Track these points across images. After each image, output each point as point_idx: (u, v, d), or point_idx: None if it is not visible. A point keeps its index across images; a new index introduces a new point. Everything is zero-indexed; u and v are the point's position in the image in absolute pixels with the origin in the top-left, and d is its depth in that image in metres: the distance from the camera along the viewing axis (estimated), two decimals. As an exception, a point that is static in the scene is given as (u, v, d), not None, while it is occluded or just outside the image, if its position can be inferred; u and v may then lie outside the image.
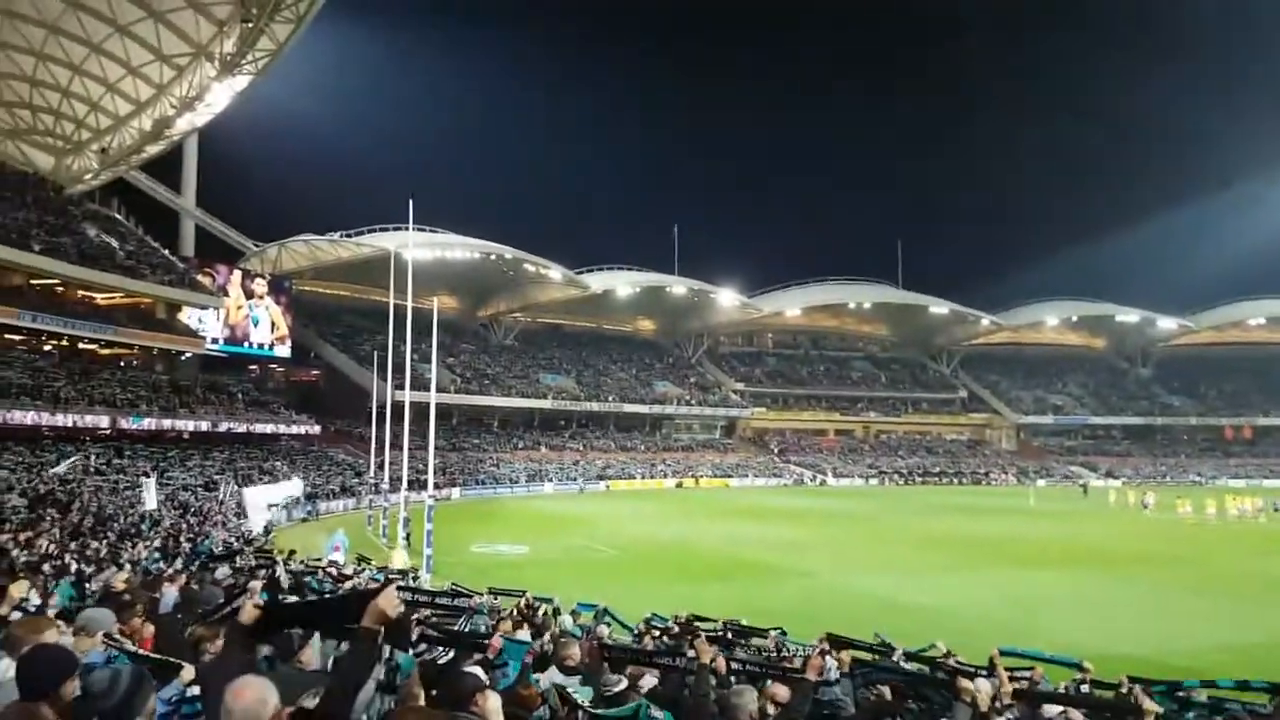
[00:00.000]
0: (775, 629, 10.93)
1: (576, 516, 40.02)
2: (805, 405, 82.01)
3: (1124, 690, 7.31)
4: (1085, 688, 8.26)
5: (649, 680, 5.26)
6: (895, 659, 9.06)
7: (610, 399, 70.14)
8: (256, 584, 7.47)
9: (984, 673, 8.69)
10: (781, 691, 4.49)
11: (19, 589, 4.93)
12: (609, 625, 11.78)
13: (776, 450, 75.72)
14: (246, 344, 53.13)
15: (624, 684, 4.82)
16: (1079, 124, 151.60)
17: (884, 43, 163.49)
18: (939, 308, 79.57)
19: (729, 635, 10.13)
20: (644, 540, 32.34)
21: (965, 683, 5.86)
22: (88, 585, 11.07)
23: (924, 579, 24.29)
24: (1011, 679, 8.69)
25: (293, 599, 8.55)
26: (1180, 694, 7.72)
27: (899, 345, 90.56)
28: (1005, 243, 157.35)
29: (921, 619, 17.63)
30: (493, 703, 3.06)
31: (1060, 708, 5.83)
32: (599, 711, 4.02)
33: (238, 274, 53.62)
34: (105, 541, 18.21)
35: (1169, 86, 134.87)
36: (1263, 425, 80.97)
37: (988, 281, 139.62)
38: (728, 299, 74.26)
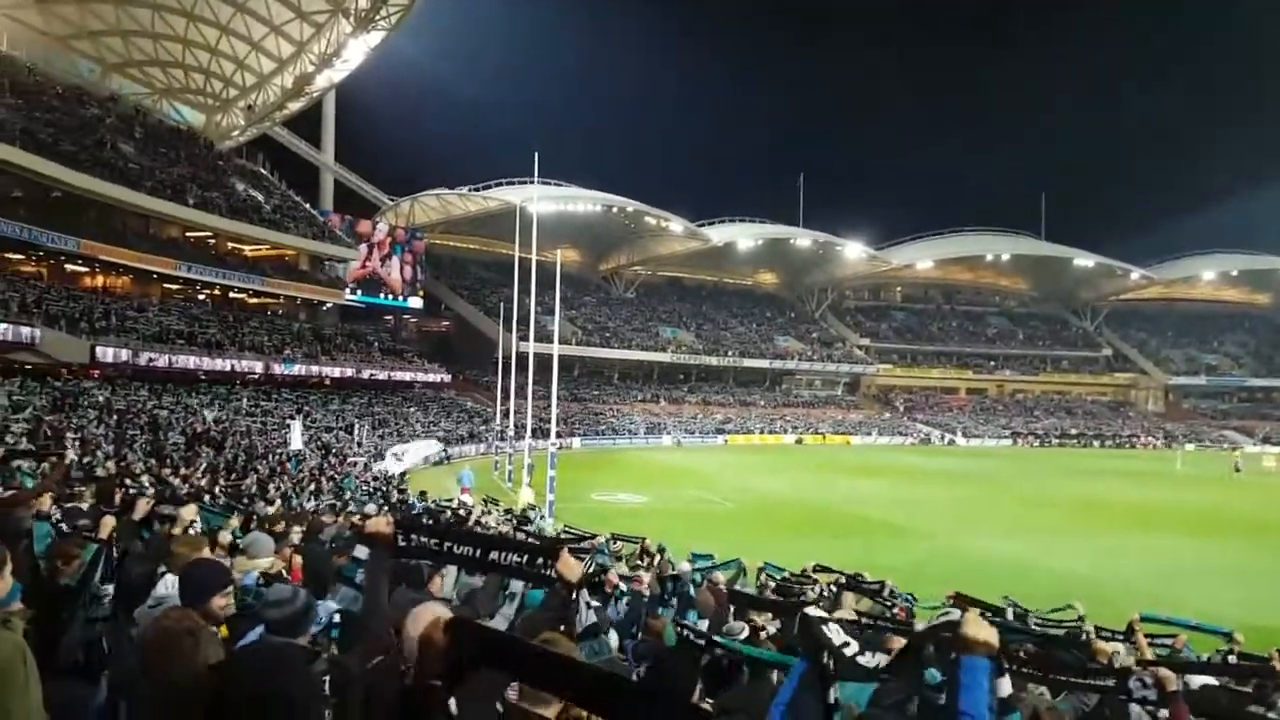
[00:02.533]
0: (884, 582, 10.58)
1: (695, 469, 39.96)
2: (935, 362, 78.73)
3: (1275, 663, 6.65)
4: (1232, 659, 7.70)
5: (769, 629, 5.20)
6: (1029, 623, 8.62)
7: (730, 353, 69.46)
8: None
9: (1120, 638, 8.11)
10: (898, 643, 4.21)
11: (189, 512, 5.28)
12: (727, 573, 11.59)
13: (903, 408, 73.25)
14: (382, 295, 55.40)
15: (746, 631, 4.83)
16: (1235, 64, 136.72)
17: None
18: (1084, 260, 74.36)
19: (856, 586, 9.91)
20: (763, 494, 31.92)
21: (1101, 644, 5.35)
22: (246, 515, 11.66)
23: (1057, 543, 22.86)
24: (1150, 645, 8.11)
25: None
26: None
27: (1039, 300, 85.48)
28: (1158, 192, 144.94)
29: (1053, 585, 16.57)
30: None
31: (1205, 678, 5.25)
32: (745, 649, 3.83)
33: (372, 226, 55.74)
34: (255, 478, 19.33)
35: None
36: None
37: (1138, 233, 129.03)
38: (854, 251, 71.75)
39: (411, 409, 45.57)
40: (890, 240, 76.93)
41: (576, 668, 1.62)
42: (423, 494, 21.16)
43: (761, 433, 61.53)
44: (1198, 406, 77.40)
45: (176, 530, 5.25)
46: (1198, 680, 5.13)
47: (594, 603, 6.74)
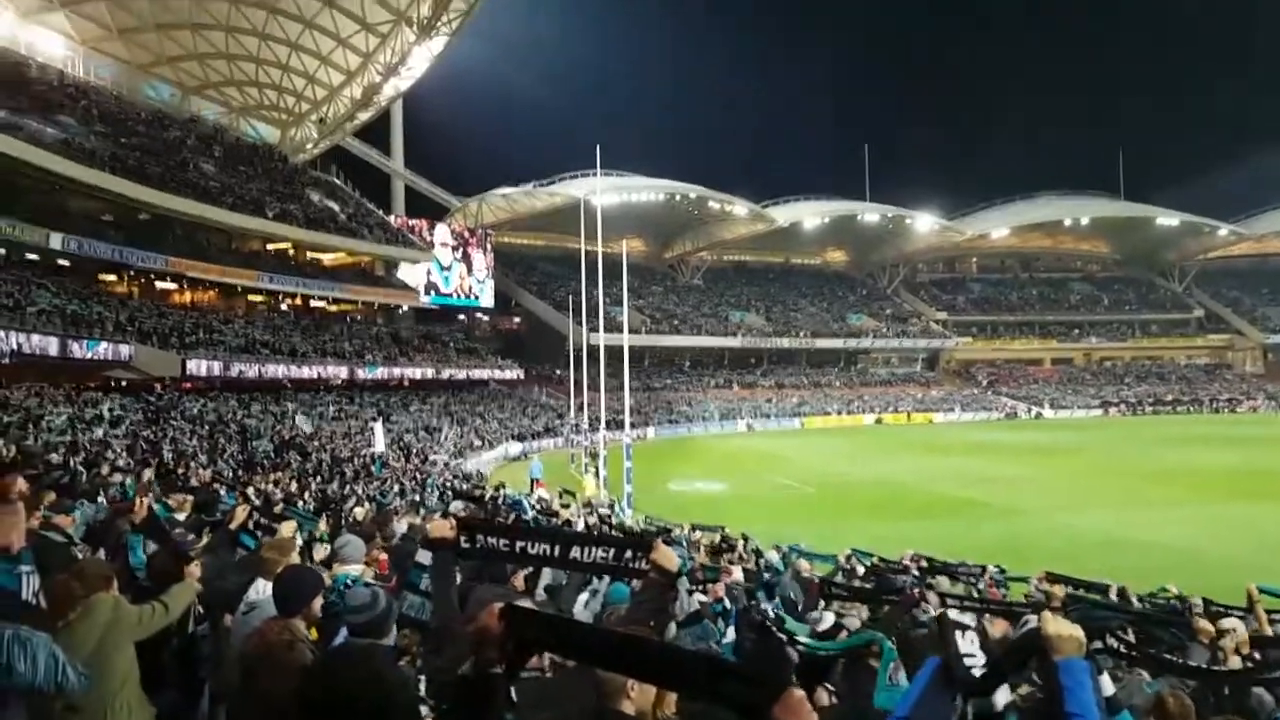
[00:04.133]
0: (985, 566, 10.34)
1: (773, 454, 39.66)
2: (1017, 333, 76.20)
3: None
4: None
5: (854, 622, 4.97)
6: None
7: (801, 334, 68.63)
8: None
9: (1238, 613, 7.62)
10: (998, 627, 4.28)
11: (288, 528, 5.48)
12: (811, 562, 11.45)
13: (985, 382, 71.19)
14: (455, 295, 56.58)
15: (830, 620, 4.63)
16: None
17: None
18: (1168, 219, 70.82)
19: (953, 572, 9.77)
20: (844, 478, 31.51)
21: (1204, 623, 5.11)
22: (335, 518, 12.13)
23: (1154, 515, 22.01)
24: (1271, 621, 7.60)
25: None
26: None
27: (1122, 263, 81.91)
28: (1243, 139, 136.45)
29: (1152, 558, 15.99)
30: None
31: None
32: (815, 644, 3.76)
33: (444, 229, 56.93)
34: (340, 480, 20.05)
35: None
36: None
37: (1225, 185, 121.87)
38: (925, 224, 69.92)
39: (489, 406, 46.52)
40: (962, 210, 74.80)
41: (643, 645, 1.58)
42: (500, 486, 21.61)
43: (839, 414, 60.61)
44: (1302, 366, 72.99)
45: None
46: None
47: (694, 590, 6.76)
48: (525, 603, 2.64)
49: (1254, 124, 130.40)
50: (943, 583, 8.64)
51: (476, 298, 58.11)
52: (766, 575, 8.67)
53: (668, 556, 2.66)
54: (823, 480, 30.58)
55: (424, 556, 2.98)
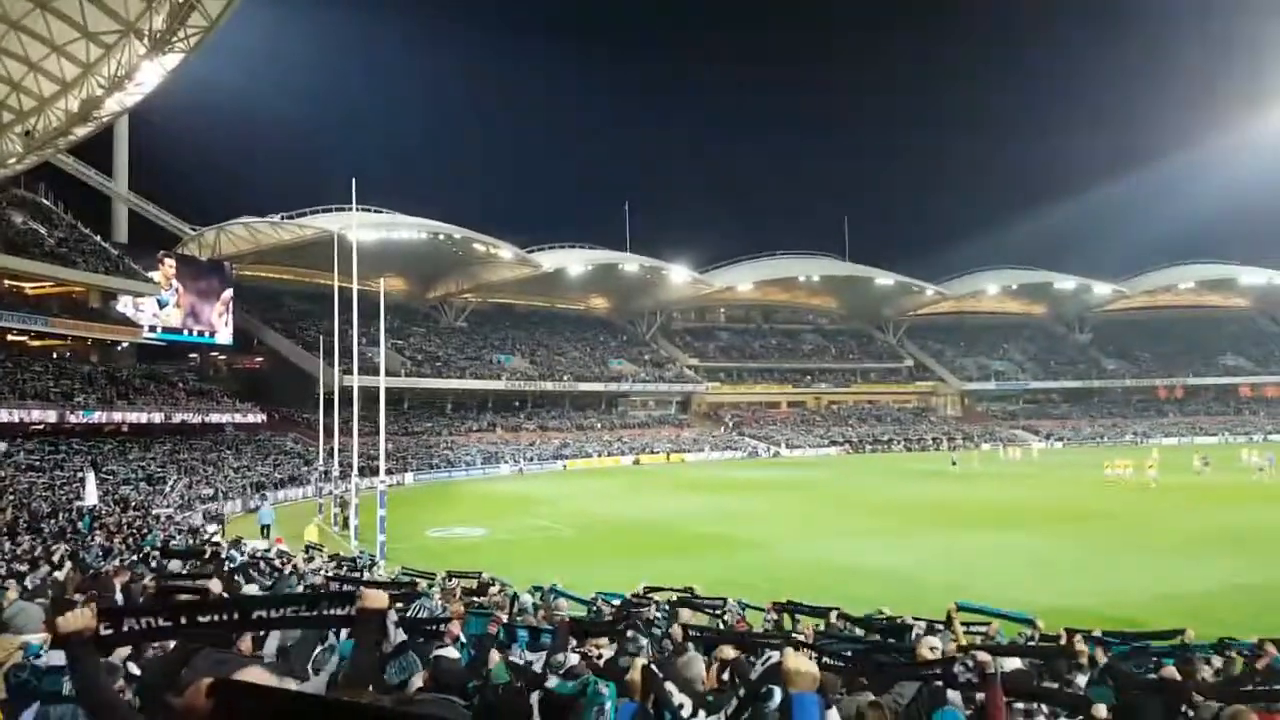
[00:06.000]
0: (725, 599, 11.06)
1: (534, 497, 39.85)
2: (758, 379, 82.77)
3: (1064, 641, 7.60)
4: (1032, 642, 8.68)
5: (607, 652, 5.32)
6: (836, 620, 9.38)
7: (565, 378, 69.86)
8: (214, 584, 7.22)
9: (940, 627, 9.03)
10: (729, 652, 4.54)
11: None
12: (568, 601, 11.76)
13: (731, 424, 76.33)
14: (185, 331, 51.55)
15: (574, 659, 4.76)
16: (1012, 98, 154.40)
17: (820, 26, 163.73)
18: (884, 279, 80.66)
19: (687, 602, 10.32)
20: (602, 518, 32.36)
21: (924, 649, 5.96)
22: (24, 585, 10.68)
23: (878, 543, 24.84)
24: (968, 634, 9.09)
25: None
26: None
27: (847, 317, 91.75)
28: (947, 215, 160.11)
29: (877, 583, 18.03)
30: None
31: (1014, 660, 6.04)
32: (558, 685, 3.94)
33: (172, 260, 51.90)
34: (40, 539, 17.58)
35: (1100, 63, 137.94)
36: (1193, 384, 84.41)
37: (931, 253, 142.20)
38: (680, 275, 74.30)
39: (224, 452, 42.62)
40: (712, 264, 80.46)
41: (362, 712, 1.48)
42: (237, 541, 19.97)
43: (600, 455, 62.23)
44: (990, 409, 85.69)
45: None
46: (1009, 663, 5.64)
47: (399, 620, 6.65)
48: (253, 668, 2.43)
49: (958, 204, 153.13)
50: (683, 614, 9.19)
51: (213, 334, 53.37)
52: (519, 618, 8.80)
53: (373, 597, 2.61)
54: (581, 521, 31.22)
55: (55, 657, 2.57)
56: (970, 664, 3.79)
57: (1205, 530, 25.61)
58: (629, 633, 5.84)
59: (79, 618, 2.32)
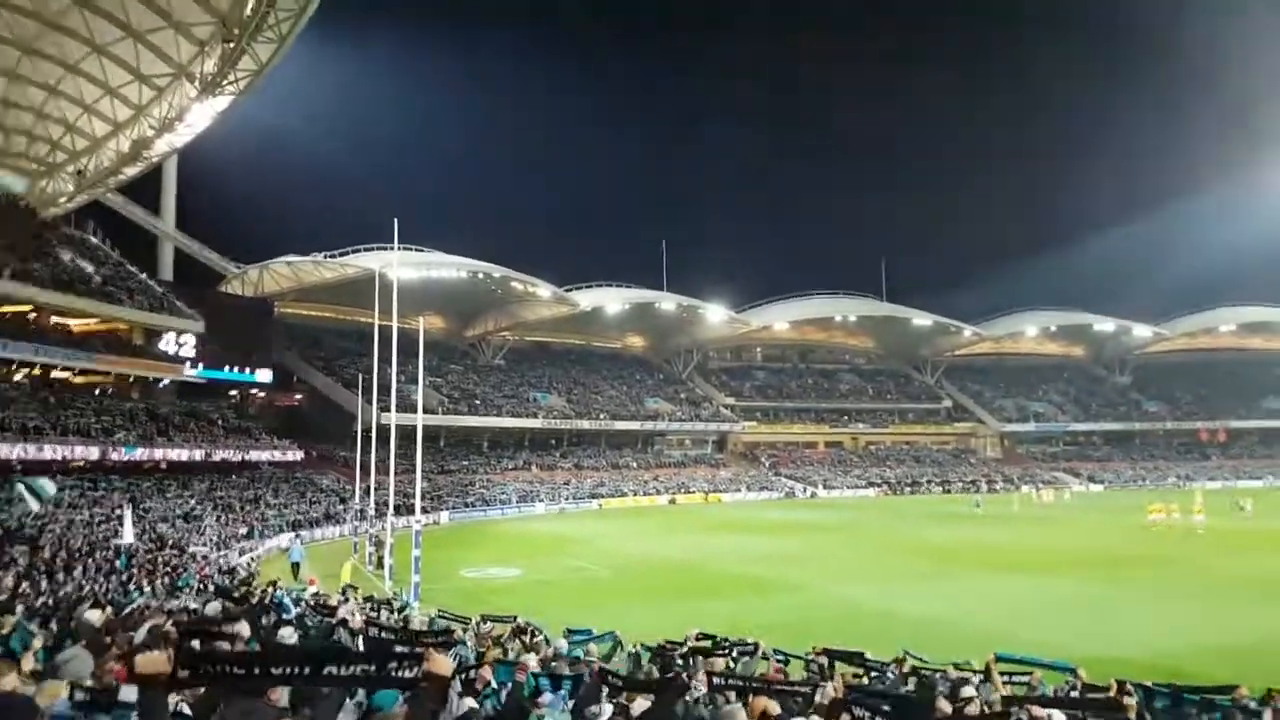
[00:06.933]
0: (758, 644, 10.67)
1: (570, 537, 39.25)
2: (795, 418, 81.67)
3: (1113, 693, 7.38)
4: (1075, 694, 8.39)
5: (640, 705, 5.16)
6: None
7: (601, 417, 69.45)
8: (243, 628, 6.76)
9: (980, 677, 8.64)
10: (771, 706, 4.33)
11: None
12: (602, 647, 11.47)
13: (768, 464, 75.17)
14: (227, 369, 52.01)
15: (609, 712, 4.87)
16: (1053, 137, 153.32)
17: (863, 55, 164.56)
18: (922, 319, 79.63)
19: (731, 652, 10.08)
20: (638, 559, 31.70)
21: (943, 703, 5.73)
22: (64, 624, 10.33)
23: (916, 587, 24.10)
24: (1009, 684, 8.71)
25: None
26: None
27: (885, 357, 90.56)
28: (988, 255, 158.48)
29: (914, 629, 17.24)
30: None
31: (1059, 713, 5.67)
32: None
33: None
34: (76, 577, 17.33)
35: (1138, 94, 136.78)
36: (1236, 428, 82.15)
37: (970, 293, 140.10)
38: (716, 314, 73.91)
39: (261, 489, 42.57)
40: (749, 303, 79.99)
41: None
42: (273, 583, 19.59)
43: (635, 495, 61.45)
44: (1030, 451, 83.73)
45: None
46: (1057, 716, 5.44)
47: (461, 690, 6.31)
48: None
49: (995, 242, 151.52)
50: (715, 663, 8.83)
51: (253, 372, 53.78)
52: (554, 665, 8.46)
53: (441, 664, 2.56)
54: (617, 562, 30.58)
55: (128, 693, 2.61)
56: (1024, 718, 3.71)
57: (1254, 576, 24.68)
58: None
59: (155, 661, 2.46)
